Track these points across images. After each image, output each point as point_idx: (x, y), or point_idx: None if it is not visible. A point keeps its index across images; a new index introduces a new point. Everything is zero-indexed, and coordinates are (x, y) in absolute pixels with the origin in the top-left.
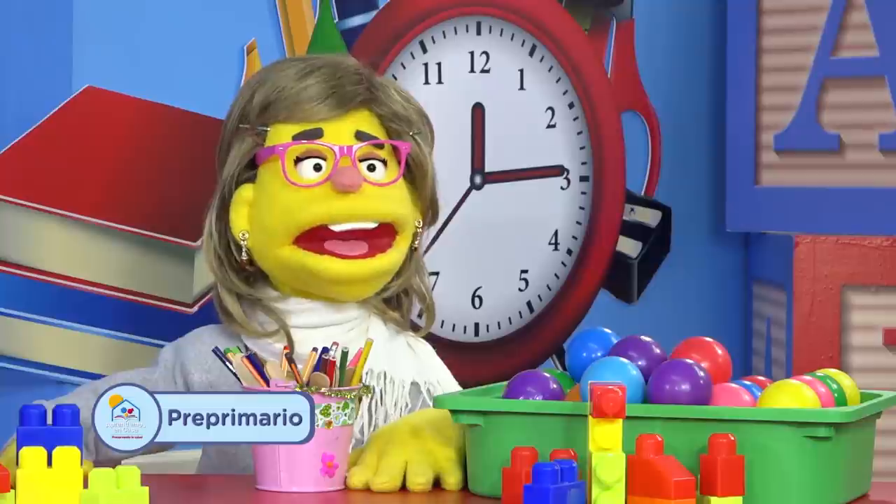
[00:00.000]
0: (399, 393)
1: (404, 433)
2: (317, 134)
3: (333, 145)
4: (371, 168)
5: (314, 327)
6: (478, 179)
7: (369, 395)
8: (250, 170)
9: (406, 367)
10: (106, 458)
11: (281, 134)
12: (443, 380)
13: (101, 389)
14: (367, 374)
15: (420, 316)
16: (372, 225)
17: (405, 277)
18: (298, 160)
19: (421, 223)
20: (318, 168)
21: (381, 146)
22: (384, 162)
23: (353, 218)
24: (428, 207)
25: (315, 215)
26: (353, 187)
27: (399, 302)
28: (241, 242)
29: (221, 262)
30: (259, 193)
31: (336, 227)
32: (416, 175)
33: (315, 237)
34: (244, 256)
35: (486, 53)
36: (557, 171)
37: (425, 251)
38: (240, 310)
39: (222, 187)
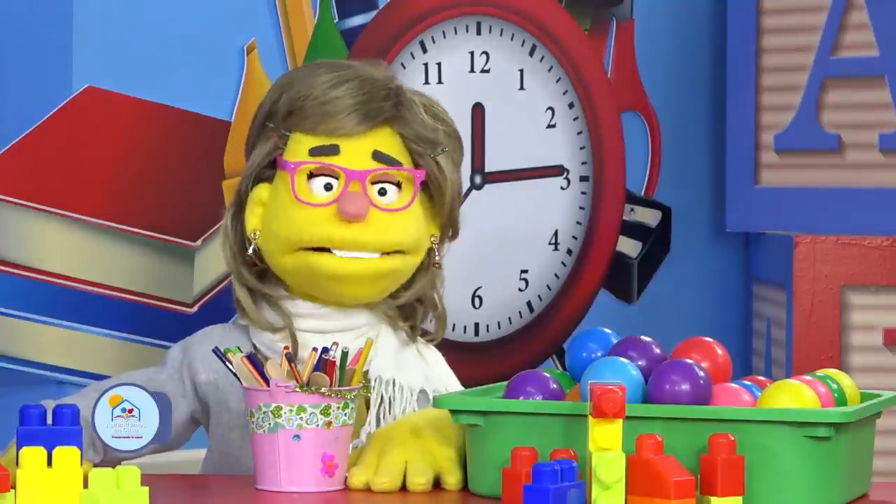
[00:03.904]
0: (407, 400)
1: (404, 433)
2: (333, 151)
3: (344, 168)
4: (382, 192)
5: (323, 332)
6: (478, 179)
7: (369, 394)
8: (270, 169)
9: (415, 374)
10: (114, 458)
11: (300, 144)
12: (450, 386)
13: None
14: (375, 380)
15: (431, 321)
16: (375, 255)
17: (419, 287)
18: (312, 175)
19: (437, 238)
20: (329, 187)
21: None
22: (398, 185)
23: (355, 247)
24: (446, 224)
25: (318, 237)
26: (359, 217)
27: (412, 310)
28: (252, 240)
29: (235, 257)
30: (273, 197)
31: (338, 253)
32: (433, 194)
33: (318, 251)
34: (253, 254)
35: (486, 53)
36: (557, 171)
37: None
38: (251, 303)
39: (241, 183)
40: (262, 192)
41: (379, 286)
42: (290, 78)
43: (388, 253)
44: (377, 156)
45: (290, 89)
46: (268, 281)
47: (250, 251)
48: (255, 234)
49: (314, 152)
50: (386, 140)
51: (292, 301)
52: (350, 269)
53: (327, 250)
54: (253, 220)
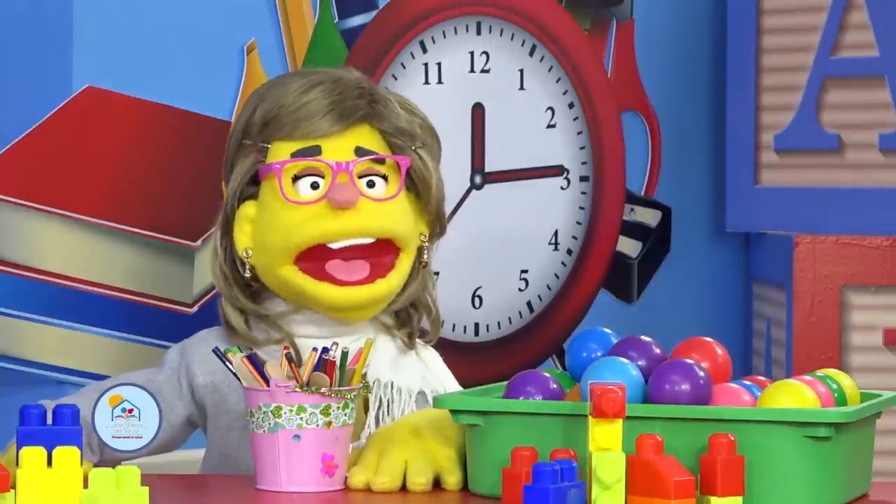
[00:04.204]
0: (406, 402)
1: (404, 432)
2: (315, 151)
3: (330, 161)
4: (371, 184)
5: (321, 337)
6: (478, 179)
7: (369, 394)
8: (253, 186)
9: (413, 376)
10: (113, 458)
11: (281, 151)
12: (448, 386)
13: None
14: (374, 383)
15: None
16: (369, 240)
17: (412, 291)
18: (296, 178)
19: (427, 237)
20: (315, 186)
21: (381, 161)
22: (385, 177)
23: (348, 234)
24: (434, 221)
25: (312, 235)
26: (349, 203)
27: (408, 316)
28: (245, 260)
29: (227, 279)
30: (260, 211)
31: (333, 245)
32: (419, 189)
33: (314, 257)
34: (248, 274)
35: (486, 53)
36: (557, 171)
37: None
38: (243, 324)
39: (226, 204)
40: (248, 209)
41: (374, 310)
42: (261, 91)
43: (382, 241)
44: (360, 151)
45: (263, 102)
46: (261, 300)
47: (246, 272)
48: (247, 252)
49: (297, 155)
50: (366, 137)
51: (290, 312)
52: (345, 300)
53: (322, 267)
54: (243, 238)
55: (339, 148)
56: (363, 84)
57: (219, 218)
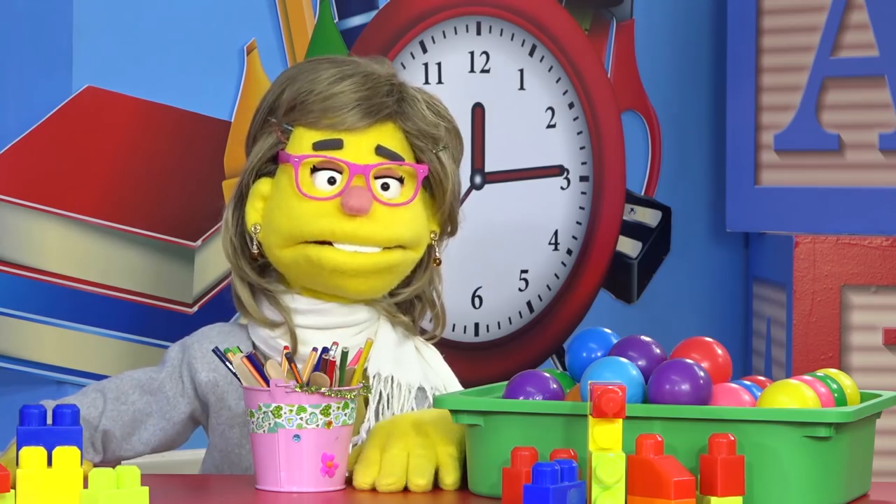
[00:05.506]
0: (406, 397)
1: (406, 426)
2: (337, 145)
3: (349, 162)
4: (385, 187)
5: (322, 329)
6: (478, 179)
7: (369, 394)
8: (272, 164)
9: (413, 372)
10: (113, 457)
11: (303, 138)
12: (449, 385)
13: (107, 389)
14: (374, 377)
15: (430, 321)
16: (376, 250)
17: (417, 285)
18: (315, 169)
19: (437, 234)
20: (332, 181)
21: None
22: (401, 180)
23: (356, 241)
24: (446, 221)
25: (320, 231)
26: (362, 211)
27: (410, 307)
28: (253, 235)
29: (236, 251)
30: (274, 192)
31: (339, 246)
32: (434, 191)
33: (319, 245)
34: (255, 249)
35: (486, 53)
36: (557, 171)
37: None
38: (251, 298)
39: (242, 178)
40: (263, 186)
41: (380, 280)
42: (292, 73)
43: (388, 248)
44: (380, 151)
45: (293, 84)
46: (268, 276)
47: (254, 248)
48: (255, 228)
49: (318, 146)
50: (389, 135)
51: (291, 297)
52: (352, 263)
53: (329, 244)
54: (254, 214)
55: (360, 144)
56: (393, 80)
57: (234, 190)
